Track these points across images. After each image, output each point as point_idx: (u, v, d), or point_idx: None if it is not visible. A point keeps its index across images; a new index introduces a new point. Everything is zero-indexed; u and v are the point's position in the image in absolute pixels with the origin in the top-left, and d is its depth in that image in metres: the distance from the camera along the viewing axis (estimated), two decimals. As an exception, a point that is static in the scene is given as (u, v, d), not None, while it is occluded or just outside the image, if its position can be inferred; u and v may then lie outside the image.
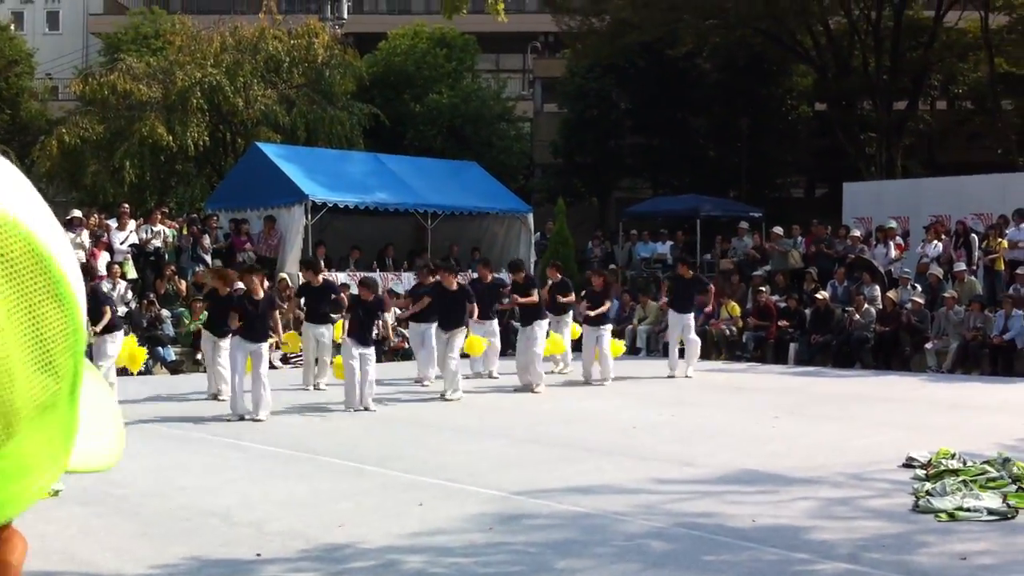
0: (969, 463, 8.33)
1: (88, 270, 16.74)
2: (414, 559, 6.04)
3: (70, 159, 25.76)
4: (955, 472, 7.97)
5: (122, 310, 16.14)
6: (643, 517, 7.00)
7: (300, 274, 16.22)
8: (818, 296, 19.07)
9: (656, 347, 19.88)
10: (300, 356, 15.86)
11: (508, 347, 17.68)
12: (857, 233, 21.28)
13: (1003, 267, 18.85)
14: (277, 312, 12.83)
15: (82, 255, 17.60)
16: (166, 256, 19.51)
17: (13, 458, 0.76)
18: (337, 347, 14.35)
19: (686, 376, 16.20)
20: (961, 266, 18.95)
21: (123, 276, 18.20)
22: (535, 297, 14.96)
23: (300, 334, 15.25)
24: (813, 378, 16.53)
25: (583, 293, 15.96)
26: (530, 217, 23.46)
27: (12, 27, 40.69)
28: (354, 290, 14.27)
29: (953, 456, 8.54)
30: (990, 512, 6.93)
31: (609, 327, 15.72)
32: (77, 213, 19.32)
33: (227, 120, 26.57)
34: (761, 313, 19.61)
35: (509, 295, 15.89)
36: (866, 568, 5.84)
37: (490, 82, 36.89)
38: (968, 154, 31.07)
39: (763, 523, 6.82)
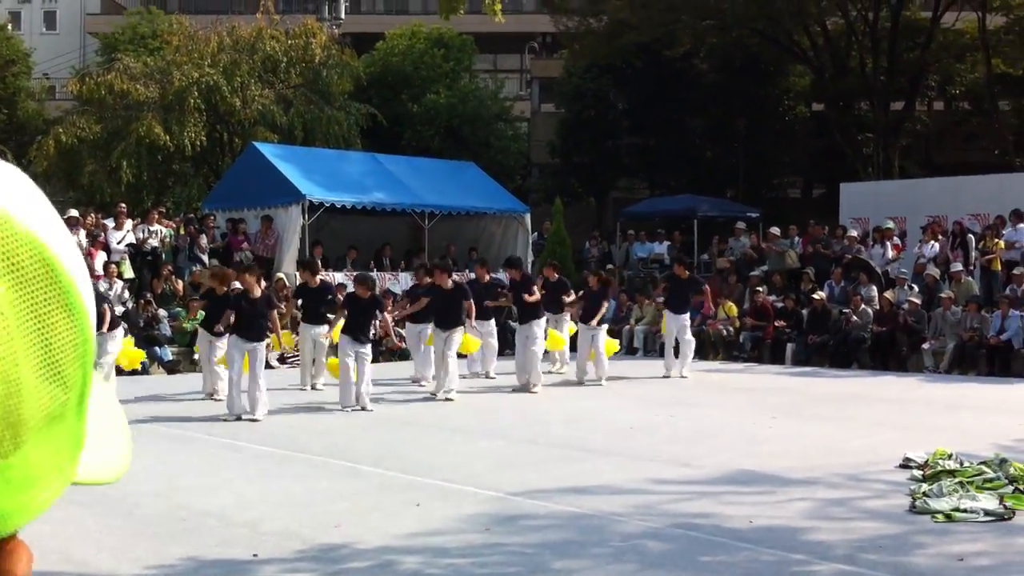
0: (966, 464, 8.33)
1: (85, 270, 16.69)
2: (411, 560, 6.03)
3: (67, 159, 25.74)
4: (952, 473, 7.97)
5: (119, 310, 16.13)
6: (640, 518, 7.00)
7: (298, 275, 16.22)
8: (815, 296, 19.09)
9: (653, 347, 19.88)
10: (297, 356, 15.86)
11: (506, 347, 17.68)
12: (854, 233, 21.30)
13: (1000, 267, 18.87)
14: (275, 312, 12.82)
15: (79, 255, 17.58)
16: (163, 256, 19.50)
17: (20, 468, 0.76)
18: (334, 348, 14.34)
19: (681, 376, 16.22)
20: (958, 266, 18.98)
21: (120, 276, 18.19)
22: (539, 295, 14.95)
23: (297, 335, 15.26)
24: (810, 378, 16.54)
25: (580, 293, 15.98)
26: (527, 217, 23.46)
27: (9, 27, 40.68)
28: (351, 288, 14.26)
29: (950, 457, 8.54)
30: (987, 513, 6.93)
31: (605, 327, 15.74)
32: (74, 213, 19.30)
33: (224, 120, 26.56)
34: (758, 313, 19.62)
35: (507, 294, 15.88)
36: (863, 569, 5.84)
37: (488, 82, 36.88)
38: (965, 155, 31.12)
39: (760, 524, 6.81)
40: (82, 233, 18.65)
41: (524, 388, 14.42)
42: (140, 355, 14.71)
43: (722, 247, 23.73)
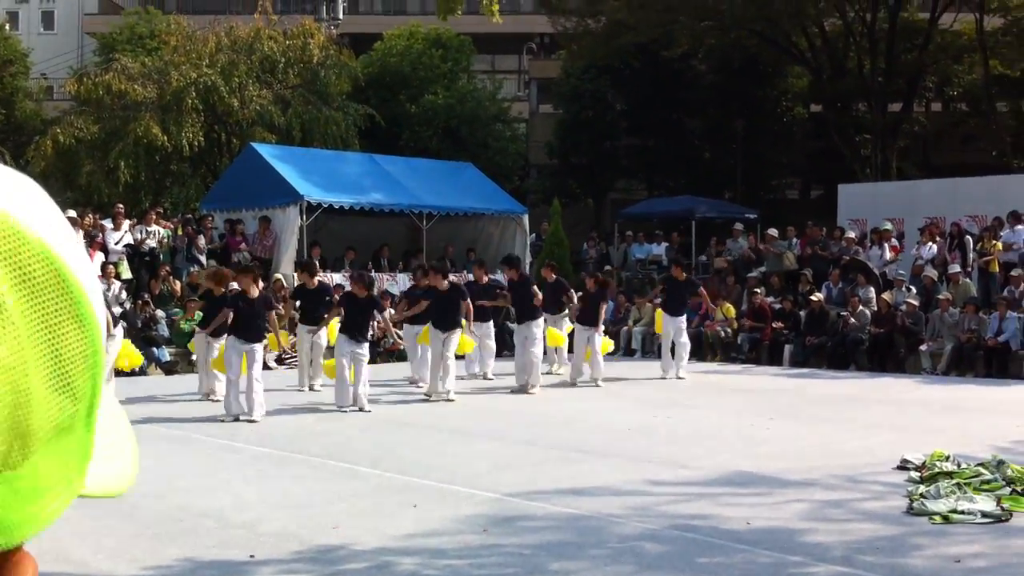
0: (963, 465, 8.34)
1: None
2: (408, 561, 6.03)
3: (65, 159, 25.73)
4: (949, 474, 7.97)
5: (117, 311, 16.11)
6: (637, 519, 7.00)
7: (295, 276, 16.21)
8: (813, 298, 19.09)
9: (651, 348, 19.89)
10: (295, 357, 15.85)
11: (504, 348, 17.67)
12: (852, 235, 21.31)
13: (997, 269, 18.87)
14: (273, 313, 12.81)
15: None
16: (161, 256, 19.50)
17: (28, 479, 0.76)
18: (332, 350, 14.33)
19: (678, 377, 16.23)
20: (956, 268, 18.99)
21: (118, 276, 18.18)
22: (540, 295, 14.94)
23: (295, 336, 15.26)
24: (808, 380, 16.54)
25: (579, 295, 15.98)
26: (525, 218, 23.46)
27: (7, 27, 40.68)
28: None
29: (947, 458, 8.54)
30: (984, 515, 6.93)
31: (601, 327, 15.74)
32: (72, 213, 19.26)
33: (222, 120, 26.56)
34: (756, 315, 19.62)
35: (505, 294, 15.85)
36: (860, 571, 5.84)
37: (486, 83, 36.90)
38: (963, 156, 31.15)
39: (757, 525, 6.82)
40: (80, 234, 18.62)
41: (522, 389, 14.42)
42: (139, 358, 14.71)
43: (720, 248, 23.74)
